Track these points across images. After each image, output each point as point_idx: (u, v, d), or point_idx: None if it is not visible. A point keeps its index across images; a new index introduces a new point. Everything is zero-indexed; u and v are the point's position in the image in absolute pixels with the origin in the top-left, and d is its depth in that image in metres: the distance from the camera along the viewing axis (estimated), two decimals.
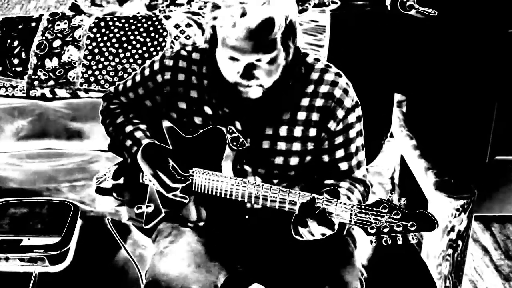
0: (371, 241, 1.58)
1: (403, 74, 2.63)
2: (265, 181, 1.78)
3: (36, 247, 1.98)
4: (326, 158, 1.81)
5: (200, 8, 2.73)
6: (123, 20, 2.65)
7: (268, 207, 1.69)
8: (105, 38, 2.61)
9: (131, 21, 2.65)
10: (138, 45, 2.60)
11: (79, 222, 2.13)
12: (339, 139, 1.80)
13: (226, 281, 1.81)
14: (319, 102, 1.78)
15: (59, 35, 2.63)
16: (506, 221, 3.18)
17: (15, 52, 2.62)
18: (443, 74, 2.74)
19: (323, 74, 1.80)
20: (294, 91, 1.78)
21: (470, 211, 2.17)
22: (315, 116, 1.78)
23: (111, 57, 2.59)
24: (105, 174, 1.98)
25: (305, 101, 1.79)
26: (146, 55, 2.58)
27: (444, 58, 2.70)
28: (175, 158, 1.78)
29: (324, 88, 1.78)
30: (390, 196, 1.57)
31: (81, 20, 2.65)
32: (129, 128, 1.88)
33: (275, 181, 1.83)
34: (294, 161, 1.81)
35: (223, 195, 1.74)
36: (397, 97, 2.72)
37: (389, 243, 1.56)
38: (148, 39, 2.60)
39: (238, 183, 1.72)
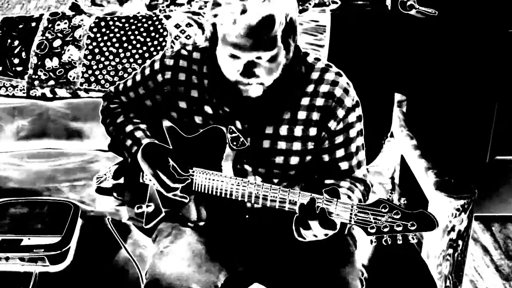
0: (371, 241, 1.58)
1: (404, 74, 2.63)
2: (266, 181, 1.79)
3: (36, 247, 1.98)
4: (326, 157, 1.81)
5: (200, 8, 2.73)
6: (123, 20, 2.65)
7: (268, 207, 1.69)
8: (105, 38, 2.61)
9: (132, 21, 2.65)
10: (138, 45, 2.60)
11: (79, 221, 2.13)
12: (339, 139, 1.80)
13: (227, 280, 1.81)
14: (319, 101, 1.78)
15: (59, 35, 2.63)
16: (507, 221, 3.18)
17: (16, 52, 2.62)
18: (443, 74, 2.74)
19: (324, 73, 1.80)
20: (294, 90, 1.78)
21: (470, 211, 2.17)
22: (315, 116, 1.78)
23: (111, 57, 2.59)
24: (105, 174, 1.98)
25: (305, 101, 1.79)
26: (147, 55, 2.58)
27: (444, 58, 2.70)
28: (175, 158, 1.78)
29: (324, 88, 1.78)
30: (390, 196, 1.57)
31: (82, 20, 2.65)
32: (129, 128, 1.88)
33: (276, 180, 1.83)
34: (294, 160, 1.81)
35: (223, 195, 1.74)
36: (398, 97, 2.72)
37: (389, 243, 1.56)
38: (148, 39, 2.60)
39: (238, 183, 1.72)
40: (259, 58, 1.65)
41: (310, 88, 1.79)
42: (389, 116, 2.62)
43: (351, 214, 1.58)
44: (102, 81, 2.59)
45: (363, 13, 2.70)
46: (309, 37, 2.60)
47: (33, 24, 2.65)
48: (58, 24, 2.65)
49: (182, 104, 1.86)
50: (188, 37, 2.61)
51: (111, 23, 2.64)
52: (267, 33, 1.62)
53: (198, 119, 1.84)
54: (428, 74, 2.71)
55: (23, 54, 2.61)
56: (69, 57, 2.60)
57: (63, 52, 2.61)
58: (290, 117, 1.79)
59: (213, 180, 1.76)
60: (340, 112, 1.78)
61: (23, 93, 2.63)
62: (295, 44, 1.73)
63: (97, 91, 2.59)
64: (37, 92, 2.62)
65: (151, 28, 2.62)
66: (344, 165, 1.81)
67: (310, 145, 1.80)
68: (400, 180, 2.70)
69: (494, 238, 3.09)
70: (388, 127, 2.63)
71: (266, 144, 1.80)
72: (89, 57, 2.60)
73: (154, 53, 2.58)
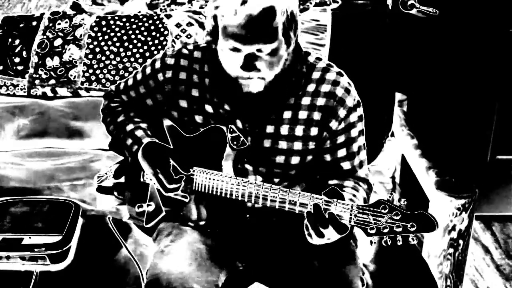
0: (371, 242, 1.58)
1: (404, 73, 2.64)
2: (266, 180, 1.79)
3: (37, 246, 1.98)
4: (328, 157, 1.81)
5: (201, 7, 2.73)
6: (124, 19, 2.65)
7: (269, 207, 1.69)
8: (106, 37, 2.61)
9: (132, 20, 2.65)
10: (139, 44, 2.60)
11: (80, 221, 2.13)
12: (341, 138, 1.79)
13: (227, 280, 1.81)
14: (320, 101, 1.78)
15: (60, 34, 2.63)
16: (507, 221, 3.18)
17: (16, 51, 2.62)
18: (444, 73, 2.74)
19: (325, 73, 1.80)
20: (295, 89, 1.78)
21: (471, 210, 2.17)
22: (316, 115, 1.78)
23: (112, 56, 2.59)
24: (106, 173, 1.98)
25: (306, 100, 1.79)
26: (147, 54, 2.58)
27: (445, 58, 2.70)
28: (176, 157, 1.78)
29: (325, 87, 1.78)
30: (390, 196, 1.57)
31: (82, 19, 2.66)
32: (130, 127, 1.88)
33: (276, 180, 1.83)
34: (295, 160, 1.81)
35: (223, 195, 1.74)
36: (398, 96, 2.72)
37: (389, 243, 1.56)
38: (149, 38, 2.60)
39: (238, 183, 1.72)
40: (259, 51, 1.66)
41: (311, 87, 1.79)
42: (390, 115, 2.61)
43: (351, 214, 1.58)
44: (103, 80, 2.59)
45: (364, 12, 2.70)
46: (310, 36, 2.60)
47: (34, 23, 2.65)
48: (59, 23, 2.65)
49: (183, 103, 1.86)
50: (189, 36, 2.61)
51: (112, 22, 2.64)
52: (267, 24, 1.63)
53: (198, 118, 1.84)
54: (428, 74, 2.71)
55: (24, 53, 2.61)
56: (70, 56, 2.60)
57: (64, 51, 2.61)
58: (291, 117, 1.79)
59: (214, 179, 1.76)
60: (342, 112, 1.78)
61: (24, 92, 2.63)
62: (296, 39, 1.73)
63: (98, 90, 2.59)
64: (38, 91, 2.62)
65: (152, 27, 2.62)
66: (346, 165, 1.81)
67: (311, 145, 1.80)
68: (400, 180, 2.69)
69: (495, 237, 3.08)
70: (389, 127, 2.63)
71: (267, 143, 1.80)
72: (90, 56, 2.60)
73: (155, 52, 2.58)
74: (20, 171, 2.50)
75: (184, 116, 1.86)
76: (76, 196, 2.34)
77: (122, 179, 1.95)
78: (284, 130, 1.79)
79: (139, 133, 1.85)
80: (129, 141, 1.85)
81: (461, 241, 2.20)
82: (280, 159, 1.80)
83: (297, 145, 1.80)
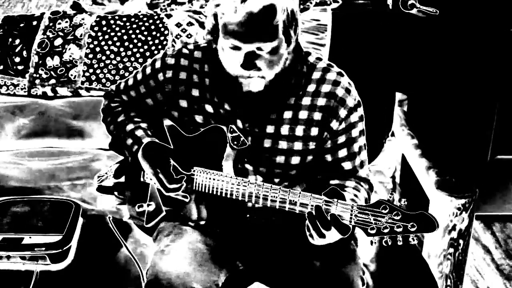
0: (371, 242, 1.58)
1: (405, 73, 2.63)
2: (266, 180, 1.79)
3: (37, 246, 1.98)
4: (329, 157, 1.81)
5: (201, 7, 2.73)
6: (124, 19, 2.65)
7: (269, 207, 1.69)
8: (106, 36, 2.61)
9: (133, 19, 2.65)
10: (139, 44, 2.60)
11: (81, 220, 2.13)
12: (341, 139, 1.79)
13: (227, 279, 1.81)
14: (321, 101, 1.78)
15: (60, 33, 2.63)
16: (507, 221, 3.18)
17: (17, 50, 2.62)
18: (444, 73, 2.74)
19: (325, 73, 1.80)
20: (295, 89, 1.78)
21: (471, 210, 2.17)
22: (317, 116, 1.78)
23: (112, 56, 2.59)
24: (106, 173, 1.98)
25: (306, 100, 1.79)
26: (148, 53, 2.58)
27: (445, 57, 2.70)
28: (176, 157, 1.78)
29: (326, 88, 1.78)
30: (391, 196, 1.57)
31: (83, 19, 2.66)
32: (130, 127, 1.88)
33: (276, 180, 1.83)
34: (295, 160, 1.81)
35: (223, 195, 1.74)
36: (399, 96, 2.72)
37: (389, 243, 1.56)
38: (149, 38, 2.60)
39: (239, 183, 1.72)
40: (260, 49, 1.66)
41: (312, 87, 1.79)
42: (390, 115, 2.62)
43: (351, 214, 1.58)
44: (103, 80, 2.59)
45: (364, 12, 2.70)
46: (310, 36, 2.60)
47: (34, 22, 2.65)
48: (59, 23, 2.65)
49: (183, 103, 1.86)
50: (189, 36, 2.61)
51: (112, 22, 2.64)
52: (268, 22, 1.63)
53: (199, 118, 1.84)
54: (429, 74, 2.71)
55: (24, 52, 2.61)
56: (70, 56, 2.60)
57: (64, 50, 2.61)
58: (291, 117, 1.79)
59: (214, 179, 1.76)
60: (342, 112, 1.78)
61: (24, 91, 2.62)
62: (296, 38, 1.73)
63: (98, 90, 2.59)
64: (38, 91, 2.62)
65: (152, 27, 2.62)
66: (347, 165, 1.81)
67: (312, 145, 1.80)
68: (401, 179, 2.70)
69: (495, 237, 3.08)
70: (389, 126, 2.63)
71: (267, 143, 1.80)
72: (90, 55, 2.60)
73: (155, 52, 2.58)
74: (21, 170, 2.50)
75: (184, 116, 1.86)
76: (77, 195, 2.34)
77: (123, 179, 1.95)
78: (285, 130, 1.79)
79: (139, 133, 1.85)
80: (129, 141, 1.85)
81: (461, 241, 2.20)
82: (280, 159, 1.80)
83: (298, 145, 1.80)
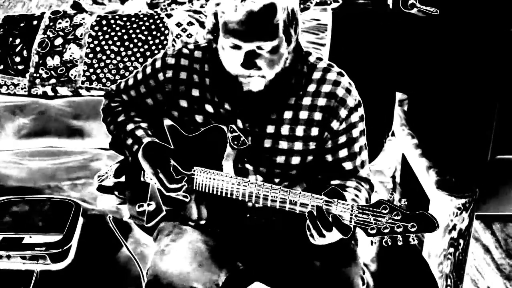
0: (372, 242, 1.58)
1: (405, 73, 2.63)
2: (267, 180, 1.78)
3: (37, 245, 1.98)
4: (329, 157, 1.81)
5: (201, 6, 2.73)
6: (124, 19, 2.65)
7: (269, 207, 1.69)
8: (106, 36, 2.61)
9: (133, 19, 2.65)
10: (139, 44, 2.60)
11: (81, 220, 2.13)
12: (342, 139, 1.79)
13: (228, 279, 1.81)
14: (321, 101, 1.78)
15: (60, 33, 2.63)
16: (507, 220, 3.18)
17: (17, 50, 2.62)
18: (444, 73, 2.74)
19: (326, 73, 1.80)
20: (295, 89, 1.78)
21: (471, 210, 2.17)
22: (317, 116, 1.78)
23: (112, 55, 2.59)
24: (106, 172, 1.98)
25: (307, 100, 1.79)
26: (148, 53, 2.58)
27: (445, 57, 2.70)
28: (176, 157, 1.78)
29: (326, 88, 1.78)
30: (391, 196, 1.57)
31: (83, 18, 2.66)
32: (130, 126, 1.88)
33: (277, 180, 1.83)
34: (295, 160, 1.81)
35: (223, 194, 1.74)
36: (399, 96, 2.72)
37: (390, 243, 1.55)
38: (149, 38, 2.60)
39: (239, 183, 1.72)
40: (260, 48, 1.65)
41: (312, 87, 1.79)
42: (390, 115, 2.62)
43: (351, 214, 1.58)
44: (104, 80, 2.59)
45: (364, 12, 2.70)
46: (310, 35, 2.60)
47: (35, 22, 2.65)
48: (60, 23, 2.65)
49: (183, 103, 1.86)
50: (189, 35, 2.61)
51: (112, 21, 2.64)
52: (268, 21, 1.62)
53: (199, 118, 1.84)
54: (429, 73, 2.71)
55: (25, 52, 2.61)
56: (71, 56, 2.60)
57: (64, 50, 2.61)
58: (292, 117, 1.79)
59: (214, 179, 1.76)
60: (343, 112, 1.78)
61: (25, 91, 2.63)
62: (296, 37, 1.73)
63: (99, 89, 2.59)
64: (38, 91, 2.62)
65: (153, 27, 2.62)
66: (348, 165, 1.80)
67: (312, 145, 1.80)
68: (401, 179, 2.70)
69: (495, 237, 3.09)
70: (389, 126, 2.63)
71: (267, 143, 1.80)
72: (91, 55, 2.60)
73: (156, 51, 2.58)
74: (21, 170, 2.50)
75: (184, 115, 1.86)
76: (77, 195, 2.34)
77: (123, 179, 1.95)
78: (285, 130, 1.79)
79: (139, 132, 1.85)
80: (129, 141, 1.85)
81: (461, 241, 2.20)
82: (280, 159, 1.80)
83: (298, 145, 1.79)
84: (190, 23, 2.64)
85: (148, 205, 1.87)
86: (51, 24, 2.64)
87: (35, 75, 2.61)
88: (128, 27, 2.62)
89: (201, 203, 1.83)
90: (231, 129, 1.80)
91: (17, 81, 2.62)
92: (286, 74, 1.74)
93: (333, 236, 1.59)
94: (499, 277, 2.83)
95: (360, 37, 2.58)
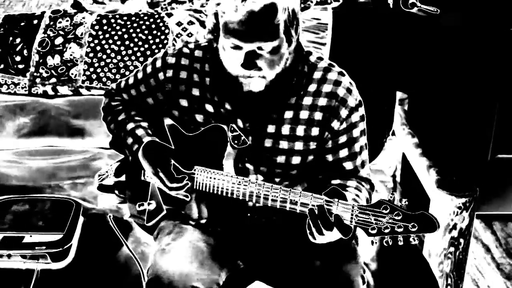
0: (372, 242, 1.58)
1: (405, 72, 2.63)
2: (267, 180, 1.78)
3: (38, 244, 1.98)
4: (330, 157, 1.81)
5: (202, 6, 2.73)
6: (125, 18, 2.65)
7: (270, 206, 1.69)
8: (107, 35, 2.61)
9: (133, 18, 2.65)
10: (140, 43, 2.60)
11: (81, 219, 2.13)
12: (343, 139, 1.79)
13: (228, 278, 1.81)
14: (322, 101, 1.78)
15: (61, 32, 2.63)
16: (508, 220, 3.19)
17: (17, 49, 2.62)
18: (445, 72, 2.74)
19: (326, 73, 1.80)
20: (296, 89, 1.78)
21: (472, 209, 2.17)
22: (318, 115, 1.78)
23: (113, 55, 2.59)
24: (107, 172, 1.98)
25: (307, 100, 1.79)
26: (148, 52, 2.58)
27: (446, 57, 2.70)
28: (176, 156, 1.78)
29: (327, 88, 1.78)
30: (391, 196, 1.57)
31: (83, 18, 2.66)
32: (130, 126, 1.87)
33: (277, 179, 1.83)
34: (296, 160, 1.81)
35: (224, 194, 1.74)
36: (399, 95, 2.72)
37: (390, 243, 1.56)
38: (150, 37, 2.60)
39: (239, 182, 1.72)
40: (260, 48, 1.65)
41: (313, 87, 1.79)
42: (390, 114, 2.62)
43: (352, 214, 1.58)
44: (104, 79, 2.59)
45: (365, 11, 2.70)
46: (310, 35, 2.60)
47: (35, 21, 2.65)
48: (60, 22, 2.65)
49: (183, 102, 1.86)
50: (190, 35, 2.61)
51: (112, 20, 2.64)
52: (269, 21, 1.62)
53: (199, 118, 1.84)
54: (429, 73, 2.71)
55: (25, 51, 2.61)
56: (71, 55, 2.60)
57: (64, 49, 2.61)
58: (292, 116, 1.79)
59: (214, 178, 1.76)
60: (344, 112, 1.77)
61: (25, 90, 2.63)
62: (297, 37, 1.72)
63: (99, 88, 2.59)
64: (38, 90, 2.62)
65: (153, 26, 2.62)
66: (348, 165, 1.80)
67: (312, 145, 1.80)
68: (401, 179, 2.70)
69: (496, 236, 3.09)
70: (389, 126, 2.63)
71: (268, 143, 1.80)
72: (91, 54, 2.60)
73: (156, 51, 2.58)
74: (21, 169, 2.50)
75: (184, 115, 1.86)
76: (77, 194, 2.34)
77: (123, 178, 1.95)
78: (285, 130, 1.79)
79: (139, 132, 1.85)
80: (130, 140, 1.85)
81: (462, 240, 2.20)
82: (281, 159, 1.80)
83: (298, 145, 1.79)
84: (190, 22, 2.63)
85: (149, 204, 1.87)
86: (52, 23, 2.64)
87: (35, 74, 2.61)
88: (129, 26, 2.62)
89: (201, 202, 1.83)
90: (232, 129, 1.80)
91: (18, 80, 2.62)
92: (287, 74, 1.74)
93: (333, 235, 1.59)
94: (499, 276, 2.84)
95: (361, 37, 2.58)
